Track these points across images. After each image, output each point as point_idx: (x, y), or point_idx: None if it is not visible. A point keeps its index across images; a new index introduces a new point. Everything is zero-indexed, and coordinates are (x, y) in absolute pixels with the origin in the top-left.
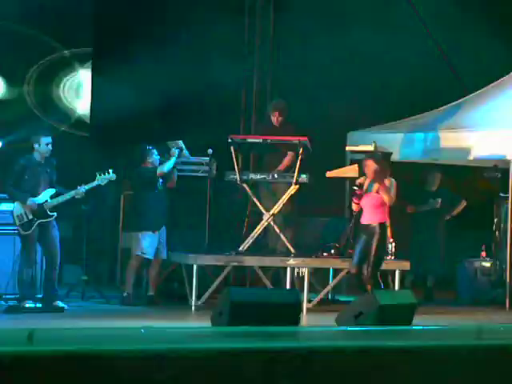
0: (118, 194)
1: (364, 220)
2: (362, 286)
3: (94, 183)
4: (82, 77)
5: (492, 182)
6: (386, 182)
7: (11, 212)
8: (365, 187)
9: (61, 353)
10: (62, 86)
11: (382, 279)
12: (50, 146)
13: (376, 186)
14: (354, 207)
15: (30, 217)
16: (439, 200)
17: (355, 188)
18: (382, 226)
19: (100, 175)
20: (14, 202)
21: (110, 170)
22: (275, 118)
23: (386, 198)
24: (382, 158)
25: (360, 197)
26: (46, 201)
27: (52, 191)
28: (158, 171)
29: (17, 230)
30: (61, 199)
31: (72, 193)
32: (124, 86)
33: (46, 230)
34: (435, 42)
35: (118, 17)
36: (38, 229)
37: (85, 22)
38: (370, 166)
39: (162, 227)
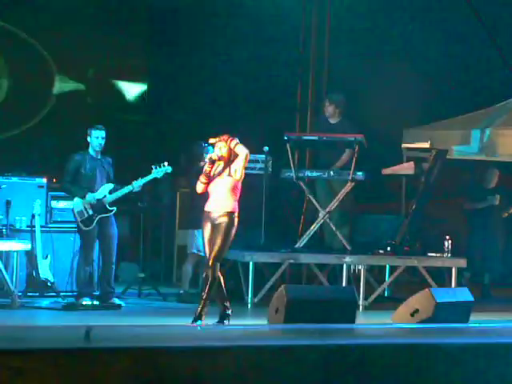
0: (173, 191)
1: (210, 207)
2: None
3: (151, 176)
4: None
5: None
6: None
7: (71, 209)
8: (213, 170)
9: (118, 350)
10: None
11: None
12: (100, 140)
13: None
14: (201, 188)
15: (91, 212)
16: (497, 197)
17: (207, 162)
18: (233, 215)
19: (156, 168)
20: (73, 199)
21: (166, 163)
22: (326, 109)
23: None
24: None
25: (209, 176)
26: (105, 196)
27: (110, 186)
28: None
29: (77, 226)
30: (119, 193)
31: (130, 187)
32: (181, 83)
33: (105, 227)
34: (490, 37)
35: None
36: (97, 225)
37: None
38: (224, 147)
39: None
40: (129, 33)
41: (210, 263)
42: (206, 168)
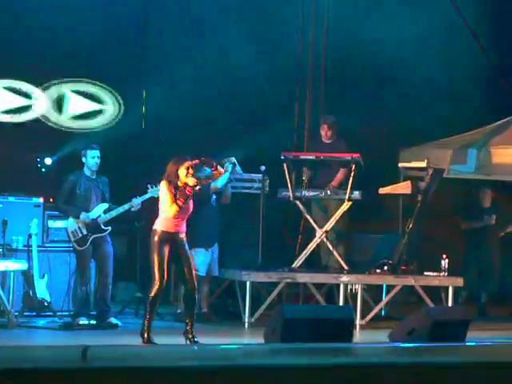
0: None
1: (175, 229)
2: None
3: (147, 195)
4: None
5: None
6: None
7: (66, 229)
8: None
9: (115, 370)
10: None
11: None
12: (96, 160)
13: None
14: (176, 212)
15: (85, 232)
16: (494, 216)
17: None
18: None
19: (152, 187)
20: (68, 219)
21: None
22: (324, 132)
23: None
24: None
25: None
26: (100, 215)
27: (105, 206)
28: (212, 187)
29: (71, 246)
30: (114, 213)
31: (126, 206)
32: (174, 102)
33: (100, 246)
34: (486, 54)
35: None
36: (92, 245)
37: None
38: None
39: (214, 244)
40: None
41: (196, 285)
42: (187, 193)
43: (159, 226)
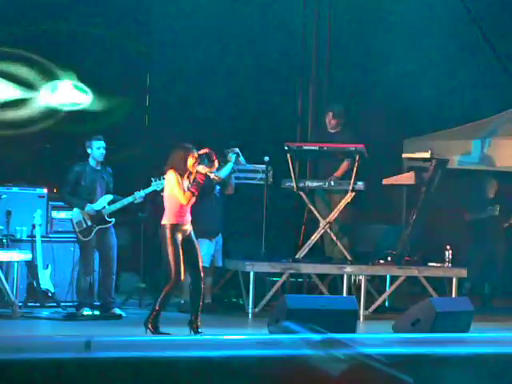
0: None
1: (185, 221)
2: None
3: (150, 188)
4: None
5: None
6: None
7: (70, 219)
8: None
9: (118, 360)
10: None
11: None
12: (102, 150)
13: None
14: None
15: (89, 223)
16: (498, 207)
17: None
18: None
19: (155, 180)
20: (72, 210)
21: (165, 175)
22: (328, 120)
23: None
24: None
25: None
26: (104, 207)
27: (109, 197)
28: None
29: (76, 237)
30: (119, 205)
31: (130, 198)
32: (179, 94)
33: (104, 237)
34: (491, 46)
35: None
36: (96, 236)
37: None
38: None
39: (218, 234)
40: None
41: (202, 275)
42: (200, 180)
43: (168, 219)
